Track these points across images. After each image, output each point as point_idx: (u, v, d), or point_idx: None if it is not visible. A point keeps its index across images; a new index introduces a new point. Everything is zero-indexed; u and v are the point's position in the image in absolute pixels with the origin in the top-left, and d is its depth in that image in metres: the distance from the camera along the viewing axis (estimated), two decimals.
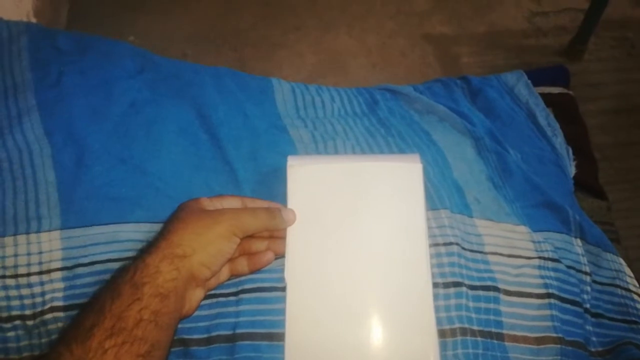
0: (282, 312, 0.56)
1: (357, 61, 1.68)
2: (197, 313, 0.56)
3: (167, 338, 0.48)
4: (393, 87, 0.82)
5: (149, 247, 0.50)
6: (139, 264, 0.48)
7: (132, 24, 1.71)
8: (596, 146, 0.87)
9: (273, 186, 0.64)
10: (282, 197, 0.62)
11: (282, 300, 0.57)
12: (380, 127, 0.75)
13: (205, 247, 0.51)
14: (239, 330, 0.55)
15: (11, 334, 0.55)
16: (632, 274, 0.70)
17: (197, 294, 0.53)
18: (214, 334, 0.56)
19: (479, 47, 1.72)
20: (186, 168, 0.66)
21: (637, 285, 0.69)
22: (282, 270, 0.58)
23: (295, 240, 0.59)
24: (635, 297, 0.67)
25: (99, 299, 0.46)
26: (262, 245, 0.59)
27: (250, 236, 0.59)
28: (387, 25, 1.76)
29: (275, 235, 0.60)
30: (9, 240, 0.58)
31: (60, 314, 0.55)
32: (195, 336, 0.56)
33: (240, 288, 0.58)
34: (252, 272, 0.58)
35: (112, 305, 0.45)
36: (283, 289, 0.57)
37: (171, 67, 0.78)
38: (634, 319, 0.65)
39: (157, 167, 0.66)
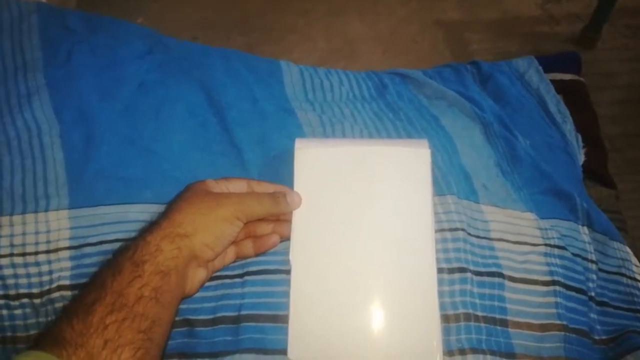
0: (286, 294, 0.56)
1: (368, 47, 1.66)
2: (202, 294, 0.57)
3: (168, 315, 0.48)
4: (402, 71, 0.82)
5: (151, 226, 0.51)
6: (139, 242, 0.48)
7: (141, 7, 1.71)
8: (606, 136, 0.86)
9: (280, 169, 0.64)
10: (289, 180, 0.61)
11: (287, 282, 0.57)
12: (389, 111, 0.75)
13: (208, 228, 0.51)
14: (243, 312, 0.56)
15: (19, 311, 0.56)
16: (638, 263, 0.69)
17: (199, 274, 0.53)
18: (219, 315, 0.56)
19: (490, 34, 1.71)
20: (194, 150, 0.67)
21: None
22: (287, 253, 0.58)
23: (301, 223, 0.59)
24: None
25: (100, 276, 0.46)
26: (268, 228, 0.59)
27: (257, 219, 0.59)
28: (399, 11, 1.75)
29: (281, 219, 0.60)
30: (17, 219, 0.59)
31: (68, 293, 0.56)
32: (200, 317, 0.56)
33: (245, 270, 0.58)
34: (257, 255, 0.59)
35: (113, 282, 0.45)
36: (288, 272, 0.58)
37: (180, 48, 0.78)
38: (639, 307, 0.65)
39: (165, 148, 0.66)
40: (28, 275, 0.57)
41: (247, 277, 0.58)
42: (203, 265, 0.53)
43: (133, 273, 0.46)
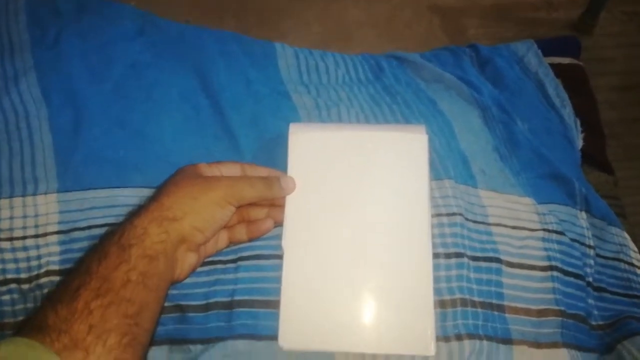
0: (280, 280, 0.56)
1: (363, 32, 1.65)
2: (194, 280, 0.56)
3: (156, 300, 0.47)
4: (399, 54, 0.80)
5: (139, 209, 0.49)
6: (126, 226, 0.47)
7: None
8: (604, 122, 0.86)
9: (274, 153, 0.63)
10: (283, 164, 0.60)
11: (281, 268, 0.56)
12: (386, 94, 0.74)
13: (199, 212, 0.50)
14: (236, 297, 0.55)
15: (6, 297, 0.55)
16: (636, 249, 0.69)
17: (189, 259, 0.52)
18: (211, 300, 0.55)
19: (488, 19, 1.69)
20: (187, 133, 0.65)
21: None
22: (280, 238, 0.57)
23: (294, 208, 0.58)
24: (639, 271, 0.67)
25: (85, 262, 0.45)
26: (262, 213, 0.58)
27: (250, 203, 0.58)
28: None
29: (275, 203, 0.59)
30: (4, 202, 0.58)
31: (56, 278, 0.55)
32: (192, 302, 0.55)
33: (238, 255, 0.57)
34: (250, 240, 0.58)
35: (99, 267, 0.44)
36: (282, 257, 0.57)
37: (173, 29, 0.76)
38: (636, 293, 0.65)
39: (156, 131, 0.65)
40: (16, 260, 0.56)
41: (240, 263, 0.57)
42: (194, 249, 0.52)
43: (119, 257, 0.45)
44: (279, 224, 0.58)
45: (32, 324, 0.41)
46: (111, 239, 0.46)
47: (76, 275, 0.44)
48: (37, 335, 0.39)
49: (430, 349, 0.53)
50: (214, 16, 1.64)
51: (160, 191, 0.51)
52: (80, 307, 0.41)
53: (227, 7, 1.67)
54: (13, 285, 0.55)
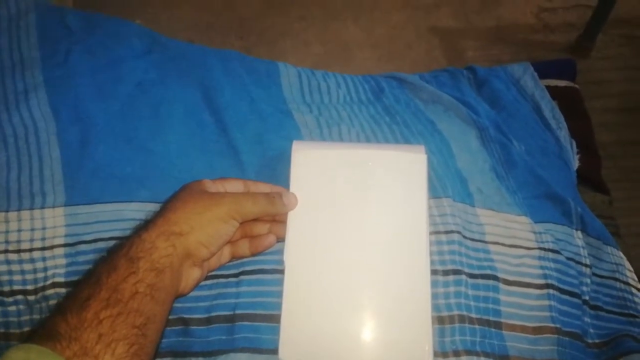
0: (282, 294, 0.56)
1: (363, 53, 1.67)
2: (197, 293, 0.57)
3: (162, 312, 0.48)
4: (399, 75, 0.82)
5: (146, 224, 0.51)
6: (134, 240, 0.48)
7: (138, 9, 1.71)
8: (600, 144, 0.87)
9: (277, 170, 0.64)
10: (285, 181, 0.62)
11: (282, 282, 0.57)
12: (386, 114, 0.75)
13: (203, 227, 0.51)
14: (238, 311, 0.56)
15: (12, 308, 0.56)
16: (631, 268, 0.70)
17: (194, 273, 0.53)
18: (214, 314, 0.56)
19: (486, 41, 1.72)
20: (191, 150, 0.67)
21: (637, 279, 0.69)
22: (282, 253, 0.58)
23: (296, 223, 0.59)
24: (634, 290, 0.67)
25: (95, 273, 0.46)
26: (264, 228, 0.59)
27: (253, 219, 0.59)
28: (394, 17, 1.75)
29: (278, 219, 0.60)
30: (12, 215, 0.59)
31: (62, 290, 0.56)
32: (195, 316, 0.56)
33: (241, 270, 0.58)
34: (253, 255, 0.59)
35: (108, 278, 0.45)
36: (283, 272, 0.58)
37: (179, 48, 0.78)
38: (632, 312, 0.65)
39: (162, 148, 0.66)
40: (22, 272, 0.57)
41: (242, 277, 0.58)
42: (198, 264, 0.53)
43: (128, 269, 0.46)
44: (280, 239, 0.59)
45: (43, 332, 0.42)
46: (120, 251, 0.47)
47: (86, 285, 0.45)
48: (48, 342, 0.40)
49: None
50: (216, 35, 1.67)
51: (166, 207, 0.52)
52: (90, 317, 0.42)
53: (230, 27, 1.70)
54: (19, 297, 0.56)
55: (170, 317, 0.54)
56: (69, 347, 0.40)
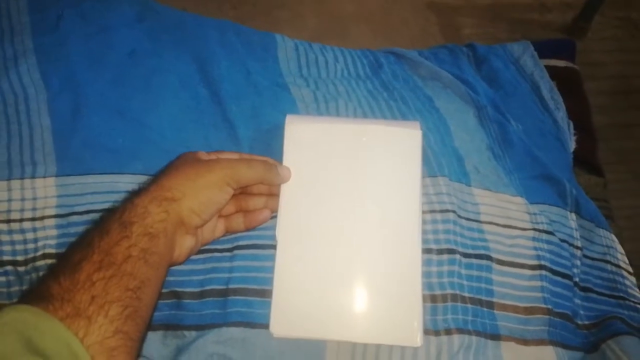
0: (274, 269, 0.56)
1: (359, 27, 1.65)
2: (190, 267, 0.56)
3: (157, 277, 0.48)
4: (398, 50, 0.81)
5: (139, 190, 0.50)
6: (127, 205, 0.48)
7: None
8: (594, 126, 0.87)
9: (272, 144, 0.63)
10: (279, 155, 0.61)
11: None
12: (383, 90, 0.74)
13: (196, 194, 0.51)
14: (231, 286, 0.55)
15: (2, 279, 0.55)
16: (623, 251, 0.70)
17: (187, 241, 0.52)
18: (207, 288, 0.56)
19: (482, 19, 1.70)
20: (185, 122, 0.66)
21: (628, 262, 0.70)
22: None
23: (289, 198, 0.59)
24: (625, 273, 0.68)
25: (87, 237, 0.46)
26: (260, 202, 0.59)
27: (248, 193, 0.59)
28: None
29: (273, 193, 0.59)
30: (2, 184, 0.58)
31: (53, 261, 0.55)
32: (188, 289, 0.56)
33: (235, 244, 0.58)
34: (247, 230, 0.58)
35: (101, 242, 0.44)
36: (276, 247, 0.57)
37: (173, 17, 0.76)
38: (622, 294, 0.66)
39: (155, 120, 0.65)
40: (12, 243, 0.56)
41: (236, 251, 0.57)
42: (191, 232, 0.52)
43: (121, 233, 0.45)
44: (275, 214, 0.59)
45: (35, 294, 0.41)
46: (112, 216, 0.47)
47: (78, 249, 0.44)
48: (40, 303, 0.40)
49: (417, 340, 0.54)
50: (211, 5, 1.64)
51: (160, 174, 0.52)
52: (83, 279, 0.42)
53: None
54: (9, 268, 0.55)
55: (163, 290, 0.54)
56: (62, 308, 0.40)
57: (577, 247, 0.67)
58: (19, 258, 0.56)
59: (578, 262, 0.66)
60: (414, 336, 0.54)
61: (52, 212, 0.57)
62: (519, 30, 1.68)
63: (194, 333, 0.54)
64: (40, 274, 0.55)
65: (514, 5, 1.74)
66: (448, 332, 0.56)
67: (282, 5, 1.67)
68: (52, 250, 0.56)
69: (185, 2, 1.61)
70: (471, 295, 0.59)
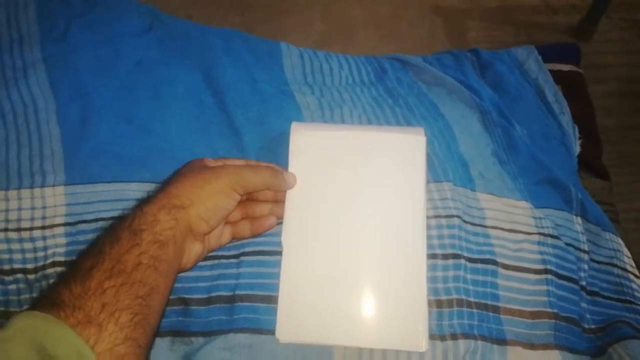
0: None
1: (366, 32, 1.65)
2: (197, 274, 0.57)
3: (166, 284, 0.48)
4: (402, 56, 0.81)
5: (148, 198, 0.51)
6: (137, 213, 0.48)
7: None
8: (600, 128, 0.86)
9: (278, 151, 0.64)
10: (285, 163, 0.62)
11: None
12: (388, 97, 0.75)
13: (203, 201, 0.51)
14: (238, 292, 0.56)
15: (13, 286, 0.56)
16: (629, 255, 0.70)
17: (195, 248, 0.53)
18: (214, 294, 0.56)
19: (489, 22, 1.70)
20: (192, 130, 0.66)
21: (634, 265, 0.69)
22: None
23: (294, 204, 0.60)
24: (632, 277, 0.68)
25: (98, 244, 0.46)
26: (265, 209, 0.59)
27: (254, 200, 0.59)
28: None
29: (279, 200, 0.60)
30: (12, 193, 0.59)
31: (62, 269, 0.56)
32: (195, 296, 0.56)
33: (241, 251, 0.58)
34: (253, 236, 0.59)
35: (112, 250, 0.45)
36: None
37: (179, 26, 0.77)
38: (629, 298, 0.65)
39: (162, 128, 0.66)
40: (22, 251, 0.57)
41: (242, 258, 0.58)
42: (199, 239, 0.53)
43: (131, 241, 0.46)
44: (281, 220, 0.59)
45: (47, 300, 0.42)
46: (122, 224, 0.47)
47: (89, 256, 0.45)
48: (52, 310, 0.40)
49: (422, 345, 0.55)
50: (218, 12, 1.65)
51: (167, 181, 0.53)
52: (94, 286, 0.42)
53: (230, 3, 1.67)
54: (19, 275, 0.56)
55: (170, 297, 0.54)
56: (73, 315, 0.40)
57: (584, 251, 0.67)
58: (29, 266, 0.56)
59: (585, 266, 0.66)
60: (419, 341, 0.55)
61: (62, 220, 0.58)
62: (525, 32, 1.67)
63: (201, 339, 0.54)
64: (50, 281, 0.56)
65: (520, 8, 1.73)
66: (454, 337, 0.56)
67: (290, 11, 1.67)
68: (62, 259, 0.57)
69: (192, 9, 1.62)
70: (477, 300, 0.59)
